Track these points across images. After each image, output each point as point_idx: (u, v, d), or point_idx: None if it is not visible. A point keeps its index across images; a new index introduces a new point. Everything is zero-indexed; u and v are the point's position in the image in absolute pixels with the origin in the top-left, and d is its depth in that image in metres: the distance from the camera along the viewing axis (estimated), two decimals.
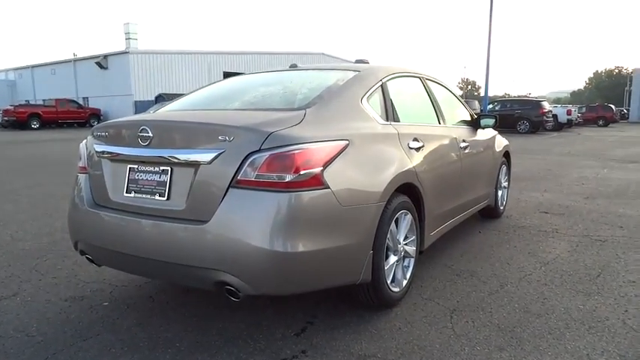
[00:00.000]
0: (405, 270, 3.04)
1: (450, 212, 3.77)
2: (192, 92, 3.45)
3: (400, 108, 3.24)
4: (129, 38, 36.48)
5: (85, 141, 2.92)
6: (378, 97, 3.06)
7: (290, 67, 3.60)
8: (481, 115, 4.65)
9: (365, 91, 2.94)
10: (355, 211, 2.46)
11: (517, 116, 22.87)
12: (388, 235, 2.73)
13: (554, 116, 25.08)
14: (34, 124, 28.36)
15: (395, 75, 3.36)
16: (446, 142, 3.69)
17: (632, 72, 60.10)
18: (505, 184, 5.50)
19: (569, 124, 27.63)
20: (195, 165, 2.32)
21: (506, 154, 5.42)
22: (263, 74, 3.56)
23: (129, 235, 2.46)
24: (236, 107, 2.89)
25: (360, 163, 2.55)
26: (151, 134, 2.43)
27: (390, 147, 2.87)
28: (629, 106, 53.28)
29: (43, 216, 5.49)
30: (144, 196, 2.49)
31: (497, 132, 5.21)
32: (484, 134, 4.73)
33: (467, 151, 4.04)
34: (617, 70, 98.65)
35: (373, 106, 2.95)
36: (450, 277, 3.44)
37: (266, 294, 2.26)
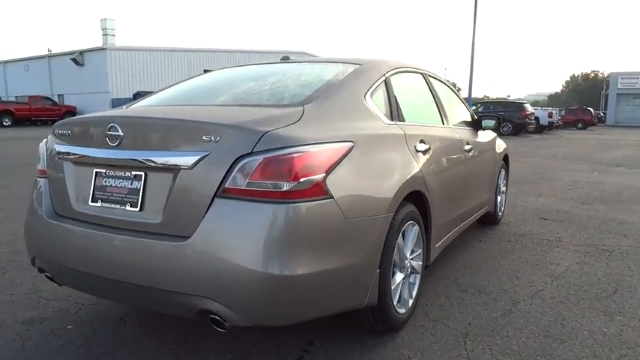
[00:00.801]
0: (411, 288, 2.71)
1: (454, 221, 3.46)
2: (171, 86, 3.06)
3: (404, 106, 2.92)
4: (106, 34, 35.53)
5: (45, 140, 2.52)
6: (381, 93, 2.72)
7: (282, 59, 3.24)
8: (482, 115, 4.36)
9: (368, 87, 2.60)
10: (361, 224, 2.12)
11: (500, 118, 22.83)
12: (395, 250, 2.40)
13: (536, 119, 25.15)
14: (6, 122, 27.39)
15: (398, 70, 3.03)
16: (451, 144, 3.37)
17: (608, 76, 61.14)
18: (504, 188, 5.23)
19: (550, 126, 27.76)
20: (173, 170, 1.95)
21: (505, 158, 5.15)
22: (252, 67, 3.19)
23: (94, 252, 2.08)
24: (222, 102, 2.51)
25: (366, 169, 2.21)
26: (121, 133, 2.05)
27: (397, 150, 2.53)
28: (605, 109, 54.11)
29: (5, 221, 5.02)
30: (113, 205, 2.11)
31: (496, 134, 4.94)
32: (485, 136, 4.45)
33: (470, 154, 3.73)
34: (593, 74, 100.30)
35: (377, 104, 2.61)
36: (456, 294, 3.12)
37: (257, 325, 1.90)
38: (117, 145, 2.07)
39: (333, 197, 1.96)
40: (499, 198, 4.97)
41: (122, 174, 2.10)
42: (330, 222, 1.97)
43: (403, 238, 2.52)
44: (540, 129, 26.14)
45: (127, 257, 1.98)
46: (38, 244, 2.35)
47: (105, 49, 33.94)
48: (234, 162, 1.85)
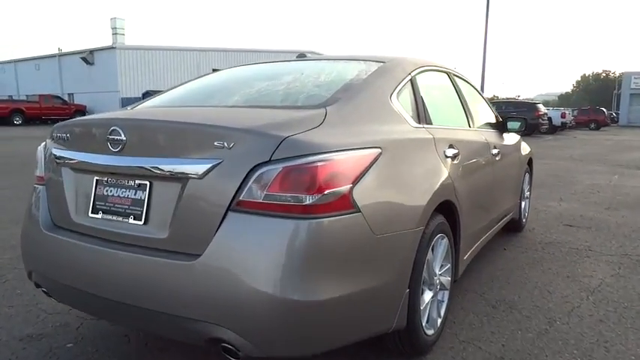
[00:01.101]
0: (440, 306, 2.48)
1: (482, 230, 3.23)
2: (179, 85, 2.86)
3: (431, 108, 2.69)
4: (116, 33, 35.55)
5: (43, 143, 2.33)
6: (408, 94, 2.50)
7: (298, 57, 3.00)
8: (507, 117, 4.11)
9: (394, 87, 2.38)
10: (390, 240, 1.90)
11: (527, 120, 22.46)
12: (424, 267, 2.17)
13: (549, 119, 24.75)
14: (17, 120, 27.46)
15: (423, 68, 2.80)
16: (479, 148, 3.14)
17: (620, 76, 60.30)
18: (528, 193, 4.99)
19: (563, 127, 27.35)
20: (182, 179, 1.74)
21: (530, 161, 4.91)
22: (266, 65, 2.97)
23: (93, 270, 1.87)
24: (235, 104, 2.30)
25: (395, 178, 1.99)
26: (123, 137, 1.85)
27: (426, 156, 2.31)
28: (617, 109, 53.38)
29: (9, 224, 4.85)
30: (114, 217, 1.90)
31: (520, 136, 4.69)
32: (510, 139, 4.21)
33: (498, 158, 3.50)
34: (604, 74, 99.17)
35: (403, 105, 2.39)
36: (485, 310, 2.89)
37: (275, 356, 1.69)
38: (119, 150, 1.86)
39: (360, 211, 1.74)
40: (523, 203, 4.72)
41: (125, 183, 1.90)
42: (357, 239, 1.75)
43: (432, 253, 2.29)
44: (553, 130, 25.73)
45: (129, 276, 1.78)
46: (34, 258, 2.15)
47: (114, 48, 33.94)
48: (249, 171, 1.64)
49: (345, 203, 1.70)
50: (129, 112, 2.23)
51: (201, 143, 1.72)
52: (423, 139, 2.32)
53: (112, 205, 1.92)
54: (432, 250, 2.28)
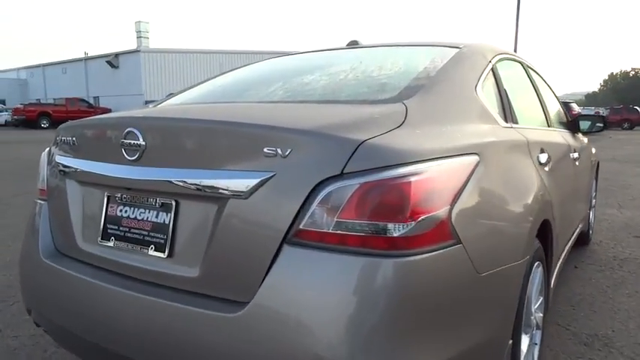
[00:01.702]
0: (534, 350, 1.98)
1: (562, 249, 2.72)
2: (210, 79, 2.41)
3: (514, 103, 2.19)
4: (140, 37, 35.73)
5: (48, 148, 1.91)
6: (491, 86, 2.01)
7: (348, 44, 2.54)
8: (581, 115, 3.57)
9: (477, 77, 1.89)
10: (496, 279, 1.41)
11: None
12: (524, 306, 1.68)
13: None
14: (44, 124, 27.74)
15: (502, 57, 2.30)
16: (564, 153, 2.63)
17: None
18: (594, 201, 4.43)
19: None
20: (219, 199, 1.29)
21: (597, 166, 4.36)
22: (311, 54, 2.50)
23: (100, 314, 1.44)
24: (284, 98, 1.83)
25: (494, 193, 1.51)
26: (142, 141, 1.41)
27: (523, 164, 1.82)
28: None
29: (21, 234, 4.48)
30: (130, 246, 1.47)
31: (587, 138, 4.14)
32: (581, 141, 3.67)
33: (577, 164, 2.98)
34: (633, 72, 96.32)
35: (489, 99, 1.90)
36: (578, 350, 2.37)
37: None
38: (136, 159, 1.42)
39: (461, 242, 1.26)
40: (591, 214, 4.17)
41: (143, 202, 1.46)
42: (458, 282, 1.27)
43: (529, 286, 1.80)
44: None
45: (146, 328, 1.33)
46: (33, 293, 1.73)
47: (139, 51, 34.07)
48: (313, 189, 1.18)
49: (444, 232, 1.22)
50: (149, 110, 1.79)
51: (245, 150, 1.27)
52: (517, 143, 1.83)
53: (126, 229, 1.49)
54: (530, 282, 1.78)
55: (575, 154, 2.93)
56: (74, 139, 1.66)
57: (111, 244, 1.51)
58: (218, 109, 1.69)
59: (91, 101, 34.86)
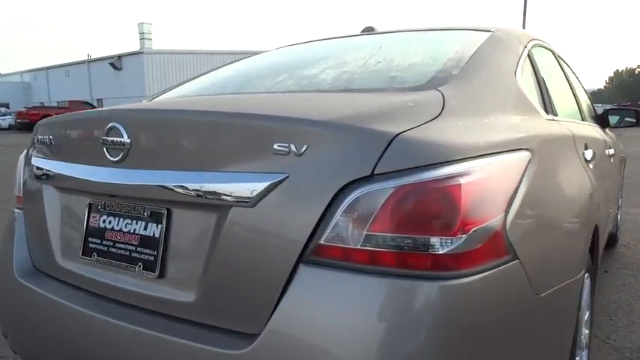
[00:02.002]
0: None
1: (601, 255, 2.47)
2: (212, 70, 2.16)
3: (553, 94, 1.95)
4: (143, 38, 35.61)
5: (25, 150, 1.68)
6: (529, 73, 1.76)
7: (363, 31, 2.28)
8: (611, 109, 3.32)
9: (515, 62, 1.64)
10: (553, 299, 1.17)
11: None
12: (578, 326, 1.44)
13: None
14: None
15: (535, 42, 2.06)
16: (603, 149, 2.39)
17: None
18: (620, 201, 4.17)
19: None
20: (219, 207, 1.06)
21: (624, 163, 4.10)
22: (323, 42, 2.24)
23: (81, 343, 1.21)
24: (295, 89, 1.59)
25: (548, 197, 1.26)
26: (126, 139, 1.17)
27: (572, 162, 1.57)
28: None
29: None
30: (115, 263, 1.23)
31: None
32: (611, 135, 3.42)
33: (612, 161, 2.73)
34: (639, 69, 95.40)
35: (528, 88, 1.65)
36: None
37: None
38: (120, 160, 1.19)
39: (517, 257, 1.02)
40: (618, 214, 3.92)
41: (129, 210, 1.23)
42: (514, 307, 1.03)
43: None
44: None
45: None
46: (8, 317, 1.50)
47: (142, 52, 33.93)
48: (336, 195, 0.94)
49: (499, 246, 0.98)
50: (138, 104, 1.55)
51: (250, 147, 1.03)
52: (564, 137, 1.59)
53: (110, 244, 1.25)
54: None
55: (611, 150, 2.69)
56: (51, 137, 1.43)
57: (93, 260, 1.28)
58: (219, 100, 1.45)
59: (95, 104, 34.77)
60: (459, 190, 0.91)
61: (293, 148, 0.97)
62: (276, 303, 0.96)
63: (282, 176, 0.97)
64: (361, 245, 0.92)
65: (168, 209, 1.15)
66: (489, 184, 1.00)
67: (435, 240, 0.90)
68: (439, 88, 1.25)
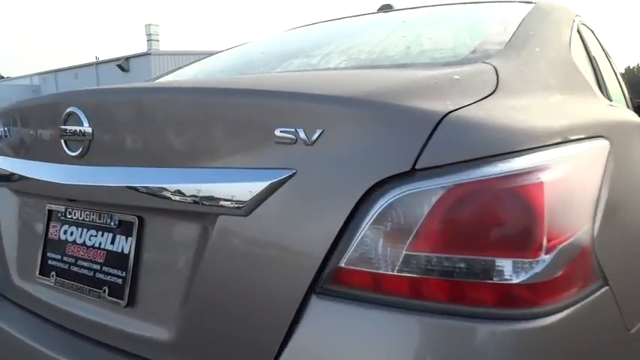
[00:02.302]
0: None
1: None
2: (215, 54, 1.88)
3: (605, 76, 1.68)
4: (150, 39, 35.48)
5: None
6: (581, 50, 1.49)
7: (380, 9, 1.99)
8: None
9: (568, 36, 1.37)
10: None
11: None
12: None
13: None
14: None
15: (579, 19, 1.77)
16: None
17: None
18: None
19: None
20: (203, 215, 0.79)
21: None
22: (335, 22, 1.93)
23: None
24: (307, 68, 1.30)
25: (631, 199, 0.98)
26: (87, 127, 0.91)
27: None
28: None
29: None
30: (75, 285, 0.97)
31: None
32: None
33: None
34: None
35: (583, 67, 1.37)
36: None
37: None
38: (80, 154, 0.93)
39: (608, 283, 0.74)
40: None
41: (94, 219, 0.97)
42: (603, 348, 0.75)
43: None
44: None
45: None
46: None
47: (149, 54, 33.79)
48: (362, 199, 0.66)
49: (588, 268, 0.71)
50: (104, 88, 1.27)
51: (244, 134, 0.76)
52: (634, 125, 1.31)
53: (72, 260, 0.99)
54: None
55: None
56: (7, 130, 1.17)
57: (51, 281, 1.02)
58: (212, 82, 1.18)
59: None
60: (540, 190, 0.64)
61: (302, 134, 0.70)
62: (277, 350, 0.69)
63: (287, 174, 0.71)
64: (398, 270, 0.65)
65: (140, 218, 0.89)
66: (573, 182, 0.72)
67: (506, 263, 0.62)
68: (487, 61, 0.97)
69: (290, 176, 0.70)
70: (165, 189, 0.82)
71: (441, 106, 0.70)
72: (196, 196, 0.78)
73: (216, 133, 0.79)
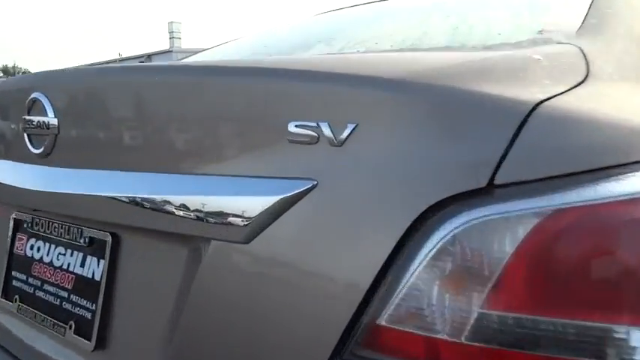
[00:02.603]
0: None
1: None
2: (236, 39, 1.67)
3: None
4: (172, 37, 35.72)
5: None
6: None
7: None
8: None
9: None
10: None
11: None
12: None
13: None
14: None
15: None
16: None
17: None
18: None
19: None
20: (191, 238, 0.59)
21: None
22: (364, 6, 1.71)
23: None
24: (337, 51, 1.08)
25: None
26: (52, 117, 0.71)
27: None
28: None
29: None
30: (39, 316, 0.78)
31: None
32: None
33: None
34: None
35: None
36: None
37: None
38: (44, 152, 0.74)
39: None
40: None
41: (62, 233, 0.77)
42: None
43: None
44: None
45: None
46: None
47: (171, 51, 33.97)
48: (412, 225, 0.45)
49: None
50: (73, 69, 1.06)
51: (247, 129, 0.56)
52: None
53: (37, 284, 0.80)
54: None
55: None
56: None
57: (14, 307, 0.83)
58: (200, 61, 0.97)
59: None
60: None
61: (326, 131, 0.49)
62: None
63: (304, 186, 0.50)
64: (467, 338, 0.44)
65: (114, 235, 0.69)
66: None
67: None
68: (571, 42, 0.75)
69: (308, 189, 0.50)
70: (142, 200, 0.62)
71: (525, 93, 0.49)
72: (184, 213, 0.58)
73: (208, 128, 0.59)
